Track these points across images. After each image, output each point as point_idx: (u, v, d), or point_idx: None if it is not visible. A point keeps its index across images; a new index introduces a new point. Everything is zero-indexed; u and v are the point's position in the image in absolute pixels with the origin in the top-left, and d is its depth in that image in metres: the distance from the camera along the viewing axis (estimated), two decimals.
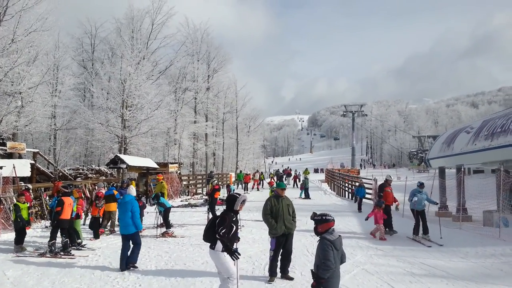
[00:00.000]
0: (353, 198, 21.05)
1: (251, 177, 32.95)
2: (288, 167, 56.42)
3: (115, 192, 13.05)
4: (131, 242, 8.28)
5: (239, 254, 5.31)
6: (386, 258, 9.20)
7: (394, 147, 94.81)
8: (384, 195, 13.37)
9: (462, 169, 19.07)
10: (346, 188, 27.52)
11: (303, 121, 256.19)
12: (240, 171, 36.26)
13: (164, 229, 12.38)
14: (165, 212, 12.40)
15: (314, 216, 4.90)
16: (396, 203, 14.26)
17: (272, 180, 23.42)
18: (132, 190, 9.19)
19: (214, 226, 5.36)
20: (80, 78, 33.44)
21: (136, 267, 8.21)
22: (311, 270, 4.83)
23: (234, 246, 5.47)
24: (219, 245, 5.31)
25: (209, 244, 5.49)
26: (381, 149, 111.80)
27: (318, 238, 4.90)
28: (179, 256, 9.41)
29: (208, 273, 7.79)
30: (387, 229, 12.31)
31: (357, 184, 21.71)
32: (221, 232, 5.22)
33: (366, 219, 12.36)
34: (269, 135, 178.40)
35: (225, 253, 5.33)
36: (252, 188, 31.29)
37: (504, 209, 13.24)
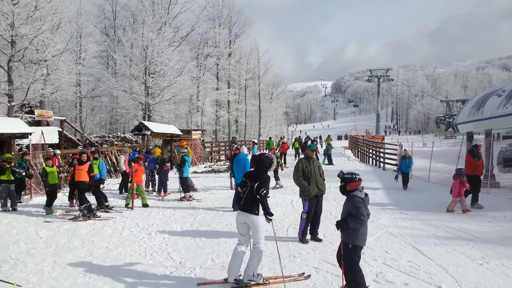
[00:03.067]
0: (395, 175, 15.36)
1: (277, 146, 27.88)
2: (285, 139, 52.29)
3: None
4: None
5: (272, 215, 5.20)
6: (410, 221, 9.11)
7: (420, 112, 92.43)
8: (473, 163, 11.19)
9: (492, 134, 18.47)
10: (370, 155, 27.24)
11: (326, 87, 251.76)
12: (270, 138, 34.38)
13: (190, 193, 12.60)
14: (181, 179, 12.56)
15: (343, 175, 4.84)
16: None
17: (274, 147, 22.64)
18: (244, 149, 10.86)
19: (253, 192, 5.19)
20: (103, 46, 33.59)
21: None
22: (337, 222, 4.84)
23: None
24: (262, 211, 5.21)
25: (239, 210, 5.37)
26: (407, 115, 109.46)
27: (340, 200, 4.86)
28: (204, 218, 9.59)
29: (232, 233, 7.91)
30: (473, 202, 10.76)
31: (402, 154, 16.55)
32: (263, 193, 5.11)
33: (457, 195, 10.21)
34: (292, 102, 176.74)
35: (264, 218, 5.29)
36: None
37: None
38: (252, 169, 5.61)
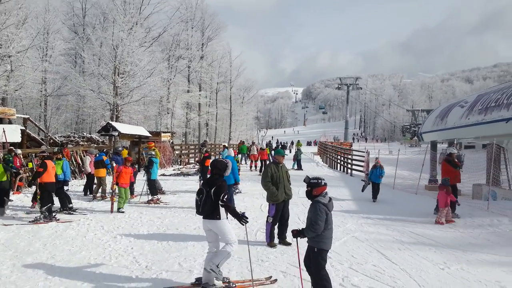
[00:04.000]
0: (363, 186, 14.11)
1: (249, 151, 26.38)
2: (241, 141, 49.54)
3: (104, 158, 12.95)
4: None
5: (247, 218, 5.11)
6: (376, 226, 9.32)
7: (387, 120, 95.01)
8: (453, 171, 11.27)
9: (454, 144, 19.16)
10: (338, 161, 27.72)
11: (297, 93, 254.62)
12: (243, 142, 32.97)
13: (158, 196, 12.42)
14: (149, 181, 12.39)
15: (309, 180, 4.90)
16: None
17: (236, 150, 22.68)
18: (231, 151, 12.11)
19: (210, 197, 5.15)
20: (71, 43, 32.66)
21: None
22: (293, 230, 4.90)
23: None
24: (223, 214, 5.17)
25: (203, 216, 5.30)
26: (374, 123, 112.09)
27: (308, 206, 4.92)
28: (172, 221, 9.46)
29: (200, 237, 7.83)
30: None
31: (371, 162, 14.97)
32: (224, 199, 5.07)
33: (444, 205, 9.95)
34: (263, 107, 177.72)
35: (229, 220, 5.25)
36: (251, 166, 25.21)
37: (493, 183, 13.39)
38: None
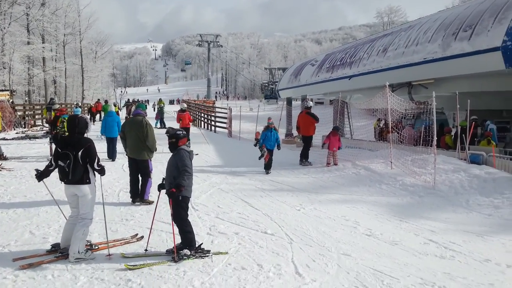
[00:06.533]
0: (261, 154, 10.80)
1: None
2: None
3: None
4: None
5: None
6: (239, 178, 9.77)
7: (247, 79, 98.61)
8: (313, 123, 12.36)
9: (308, 99, 20.93)
10: (202, 118, 27.96)
11: (156, 49, 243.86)
12: (106, 101, 27.95)
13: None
14: None
15: (174, 132, 5.07)
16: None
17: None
18: (113, 107, 12.32)
19: (79, 161, 4.64)
20: None
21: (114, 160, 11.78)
22: (160, 184, 5.04)
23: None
24: (92, 177, 4.81)
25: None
26: (235, 81, 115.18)
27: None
28: (18, 188, 8.38)
29: (54, 202, 7.11)
30: (304, 160, 11.89)
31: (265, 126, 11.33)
32: (98, 163, 4.81)
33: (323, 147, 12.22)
34: (120, 63, 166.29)
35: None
36: None
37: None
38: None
